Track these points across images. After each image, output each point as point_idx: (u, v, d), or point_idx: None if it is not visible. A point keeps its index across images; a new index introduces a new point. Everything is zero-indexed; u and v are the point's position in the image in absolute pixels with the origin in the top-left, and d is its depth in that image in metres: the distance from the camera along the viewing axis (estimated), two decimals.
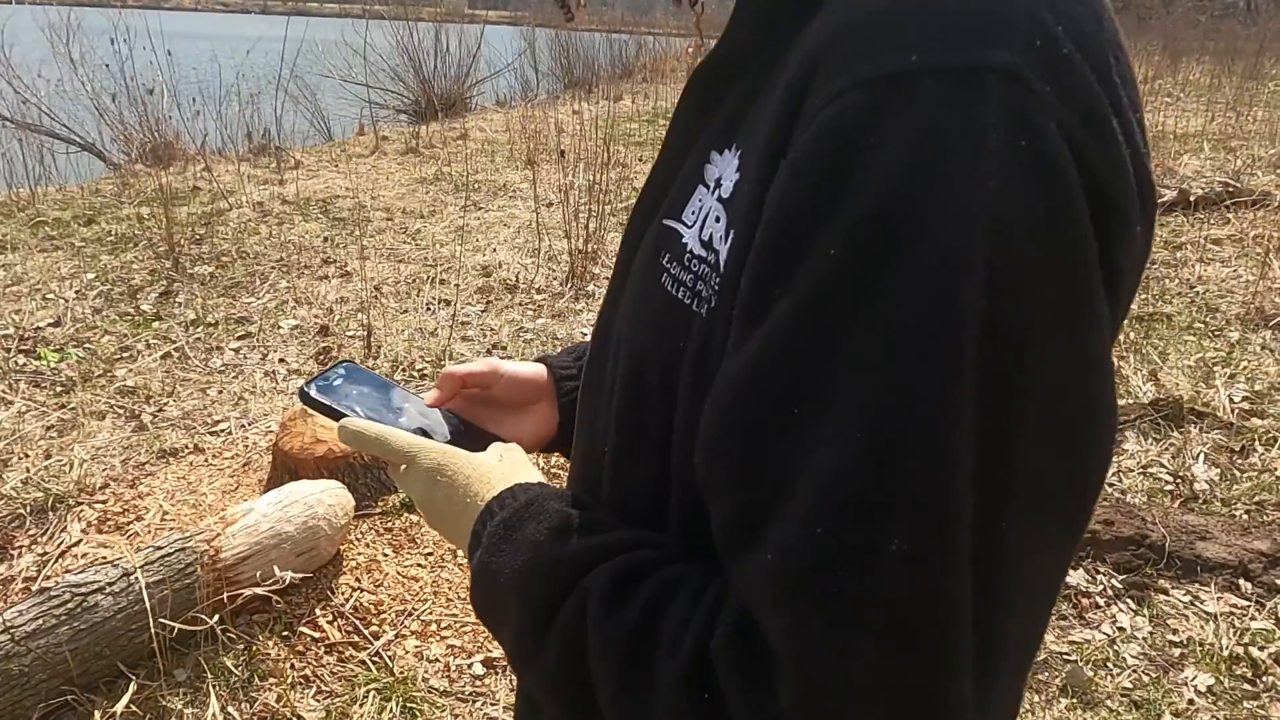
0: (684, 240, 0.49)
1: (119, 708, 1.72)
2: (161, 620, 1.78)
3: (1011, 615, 0.39)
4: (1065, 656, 2.07)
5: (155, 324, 3.46)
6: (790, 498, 0.38)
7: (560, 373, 0.79)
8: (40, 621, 1.69)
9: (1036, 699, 1.96)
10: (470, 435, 0.72)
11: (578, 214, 4.39)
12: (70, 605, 1.73)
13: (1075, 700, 1.96)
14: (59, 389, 2.96)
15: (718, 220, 0.46)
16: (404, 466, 0.64)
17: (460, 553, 2.26)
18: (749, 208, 0.42)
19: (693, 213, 0.49)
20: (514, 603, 0.51)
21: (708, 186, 0.49)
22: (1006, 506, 0.37)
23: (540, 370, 0.79)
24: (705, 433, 0.43)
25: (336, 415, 0.72)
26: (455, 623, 2.10)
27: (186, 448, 2.65)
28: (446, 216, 5.01)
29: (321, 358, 3.30)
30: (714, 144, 0.50)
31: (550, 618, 0.49)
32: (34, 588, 2.07)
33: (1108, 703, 1.95)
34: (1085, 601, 2.24)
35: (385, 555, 2.24)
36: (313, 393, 0.72)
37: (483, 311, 3.83)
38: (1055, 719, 1.92)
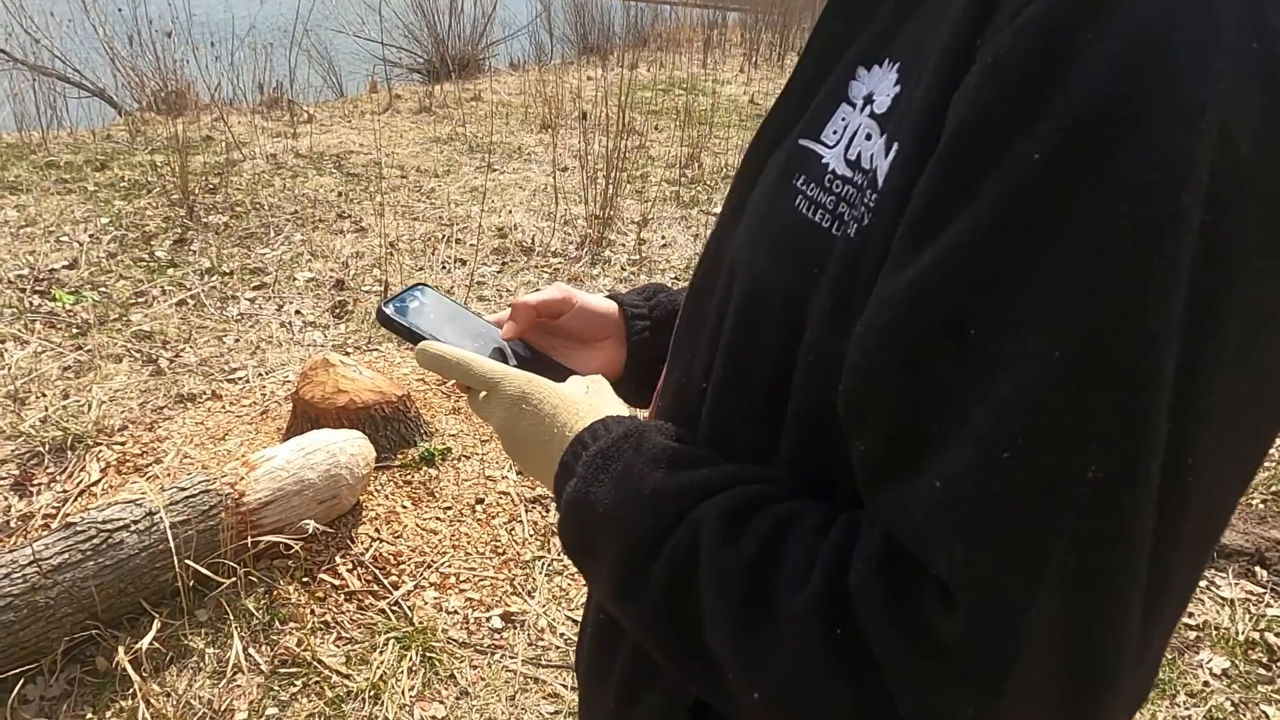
0: (824, 161, 0.47)
1: (144, 644, 1.72)
2: (186, 560, 1.78)
3: (1182, 562, 0.37)
4: None
5: (170, 270, 3.43)
6: (963, 422, 0.36)
7: (631, 310, 0.78)
8: (66, 556, 1.69)
9: None
10: (543, 366, 0.70)
11: (594, 179, 4.35)
12: (96, 541, 1.72)
13: None
14: (74, 331, 2.94)
15: (869, 138, 0.45)
16: (484, 393, 0.62)
17: (475, 509, 2.26)
18: (919, 119, 0.40)
19: (834, 132, 0.47)
20: (614, 535, 0.50)
21: (853, 104, 0.47)
22: (1196, 443, 0.35)
23: (611, 306, 0.77)
24: (856, 357, 0.41)
25: (414, 337, 0.70)
26: (474, 576, 2.11)
27: (204, 394, 2.64)
28: (462, 177, 4.96)
29: (337, 311, 3.28)
30: (861, 60, 0.48)
31: (655, 551, 0.48)
32: (53, 525, 2.06)
33: None
34: None
35: (404, 508, 2.24)
36: (390, 312, 0.71)
37: (498, 272, 3.80)
38: None
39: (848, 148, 0.46)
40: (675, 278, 3.95)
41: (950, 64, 0.39)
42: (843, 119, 0.47)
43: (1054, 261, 0.34)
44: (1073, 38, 0.34)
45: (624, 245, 4.26)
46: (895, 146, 0.42)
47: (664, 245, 4.34)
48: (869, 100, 0.46)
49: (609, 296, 0.80)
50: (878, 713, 0.39)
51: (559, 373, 0.66)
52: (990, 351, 0.36)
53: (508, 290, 3.63)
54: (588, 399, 0.60)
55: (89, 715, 1.69)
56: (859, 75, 0.48)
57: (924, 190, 0.38)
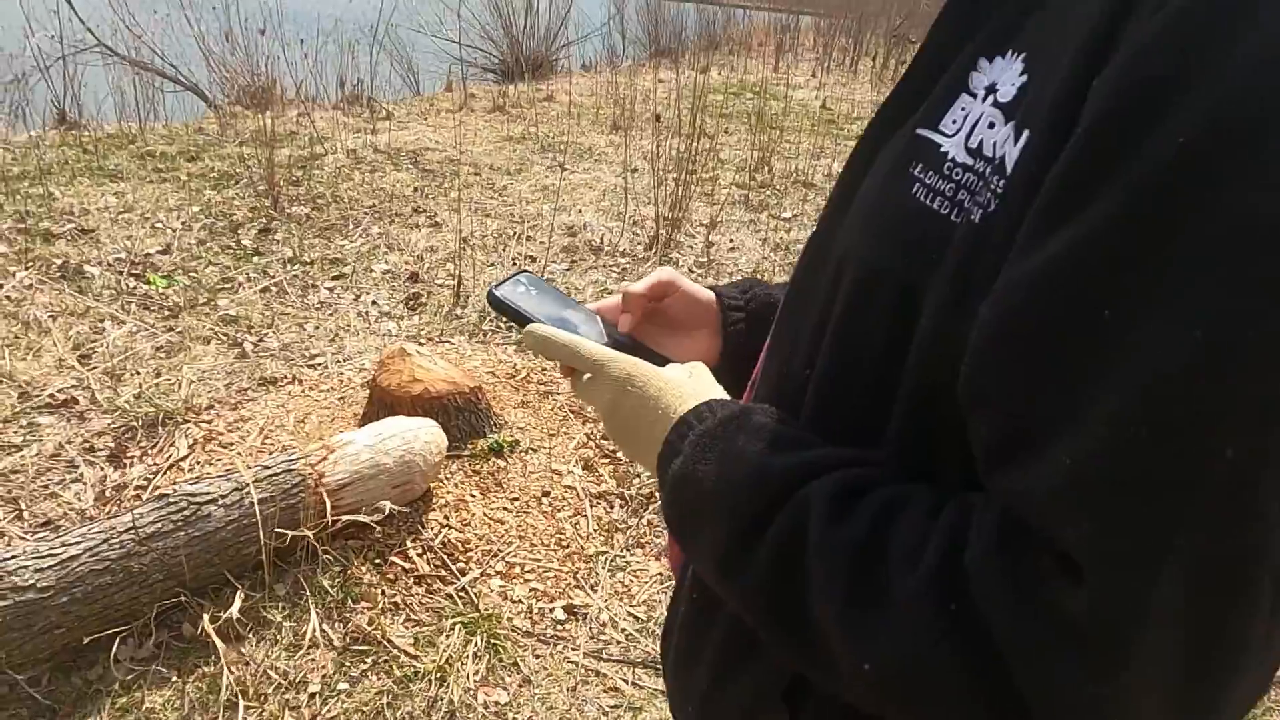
0: (943, 149, 0.48)
1: (230, 613, 1.80)
2: (277, 530, 1.85)
3: None
4: None
5: (255, 259, 3.57)
6: (1095, 402, 0.37)
7: (728, 302, 0.79)
8: (159, 525, 1.77)
9: None
10: (643, 353, 0.72)
11: (664, 181, 4.37)
12: (186, 513, 1.81)
13: None
14: (166, 313, 3.08)
15: (991, 126, 0.46)
16: (589, 376, 0.64)
17: (541, 501, 2.29)
18: (1054, 107, 0.41)
19: (954, 121, 0.48)
20: (719, 512, 0.51)
21: (974, 94, 0.48)
22: None
23: (710, 296, 0.79)
24: (982, 339, 0.41)
25: (521, 319, 0.73)
26: (539, 567, 2.14)
27: (285, 378, 2.74)
28: (533, 175, 5.04)
29: (411, 303, 3.37)
30: (982, 52, 0.49)
31: (762, 528, 0.49)
32: (144, 496, 2.17)
33: None
34: None
35: (473, 496, 2.29)
36: (500, 294, 0.74)
37: (567, 270, 3.85)
38: None
39: (969, 136, 0.47)
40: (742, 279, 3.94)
41: (1088, 55, 0.40)
42: (963, 109, 0.48)
43: (1196, 246, 0.35)
44: (1221, 29, 0.35)
45: (692, 247, 4.26)
46: (1026, 134, 0.43)
47: (732, 248, 4.33)
48: (991, 90, 0.47)
49: (709, 287, 0.81)
50: (993, 688, 0.39)
51: (658, 360, 0.68)
52: (1126, 333, 0.36)
53: (576, 288, 3.67)
54: (691, 383, 0.62)
55: (174, 678, 1.77)
56: (980, 66, 0.49)
57: (1059, 175, 0.39)
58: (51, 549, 1.69)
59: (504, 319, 0.77)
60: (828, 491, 0.48)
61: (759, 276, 4.12)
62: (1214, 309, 0.34)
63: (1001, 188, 0.43)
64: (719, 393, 0.61)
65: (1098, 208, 0.37)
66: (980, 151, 0.46)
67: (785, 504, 0.48)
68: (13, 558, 1.65)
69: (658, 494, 0.55)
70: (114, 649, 1.75)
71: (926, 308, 0.47)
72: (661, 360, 0.68)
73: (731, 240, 4.42)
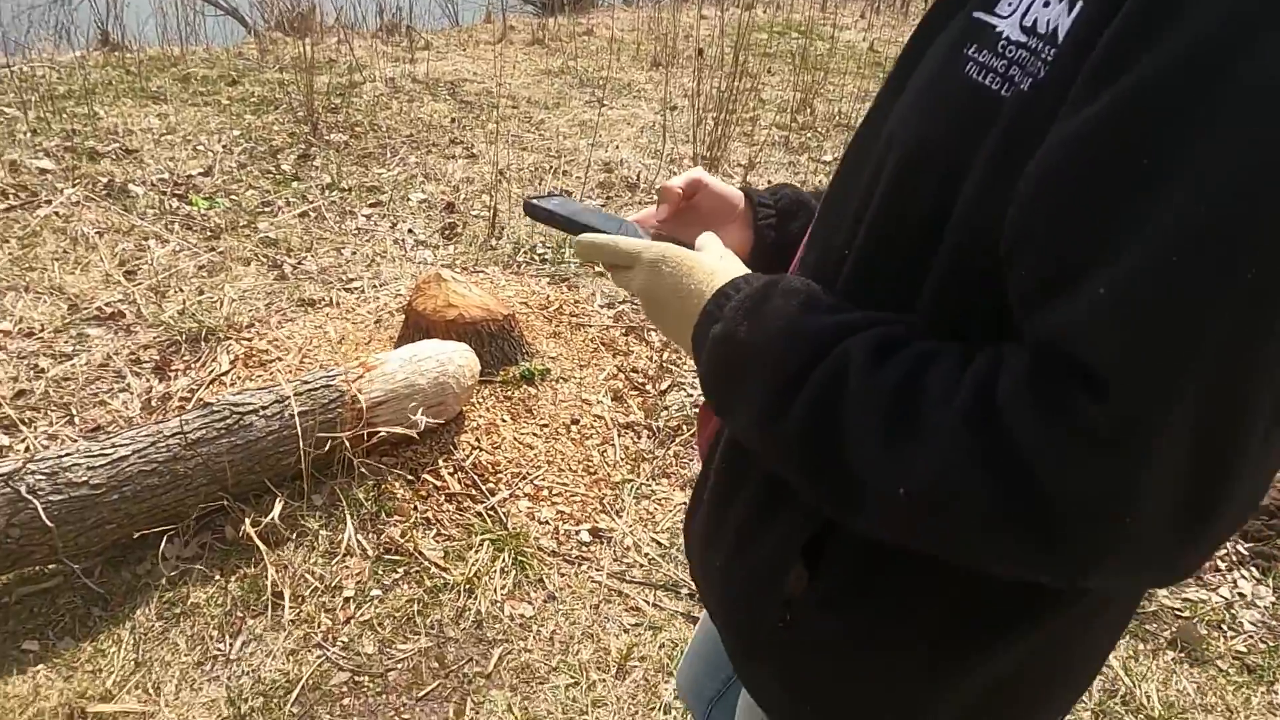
0: (998, 29, 0.50)
1: (271, 517, 1.88)
2: (319, 435, 1.91)
3: None
4: (1178, 612, 2.02)
5: (294, 184, 3.60)
6: (1134, 239, 0.40)
7: (757, 198, 0.83)
8: (204, 431, 1.84)
9: (1142, 647, 1.93)
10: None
11: (703, 119, 4.30)
12: (229, 421, 1.87)
13: (1183, 655, 1.92)
14: (208, 234, 3.13)
15: (1046, 4, 0.48)
16: (630, 269, 0.68)
17: (570, 429, 2.33)
18: None
19: (1009, 4, 0.51)
20: (762, 366, 0.54)
21: None
22: None
23: (739, 194, 0.83)
24: (1030, 187, 0.44)
25: (564, 224, 0.76)
26: (565, 491, 2.19)
27: (323, 300, 2.79)
28: (571, 110, 4.98)
29: (447, 232, 3.38)
30: None
31: (802, 379, 0.51)
32: (187, 407, 2.24)
33: (1218, 662, 1.90)
34: (1205, 563, 2.16)
35: (504, 421, 2.33)
36: (540, 204, 0.77)
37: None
38: (1162, 668, 1.88)
39: (1024, 15, 0.49)
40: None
41: None
42: None
43: (1235, 99, 0.38)
44: None
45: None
46: (1079, 5, 0.45)
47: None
48: None
49: (739, 187, 0.85)
50: (1025, 502, 0.42)
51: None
52: (1165, 176, 0.39)
53: None
54: (722, 263, 0.65)
55: (217, 576, 1.85)
56: None
57: (1108, 37, 0.42)
58: (103, 449, 1.76)
59: (542, 224, 0.81)
60: (866, 344, 0.51)
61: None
62: (1246, 150, 0.37)
63: (1051, 56, 0.46)
64: (749, 273, 0.64)
65: (1142, 65, 0.40)
66: (1034, 29, 0.48)
67: (826, 356, 0.51)
68: (67, 455, 1.73)
69: (694, 365, 0.58)
70: (161, 547, 1.84)
71: (971, 176, 0.49)
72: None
73: (769, 182, 4.35)
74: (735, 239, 0.80)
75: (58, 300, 2.65)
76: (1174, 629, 1.96)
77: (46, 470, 1.69)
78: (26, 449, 2.08)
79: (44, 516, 1.63)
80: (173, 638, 1.74)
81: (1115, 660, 1.89)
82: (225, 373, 2.40)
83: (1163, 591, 2.08)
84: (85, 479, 1.71)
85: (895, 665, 0.60)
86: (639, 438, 2.40)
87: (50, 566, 1.82)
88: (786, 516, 0.61)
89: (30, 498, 1.63)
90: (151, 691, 1.65)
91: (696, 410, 2.50)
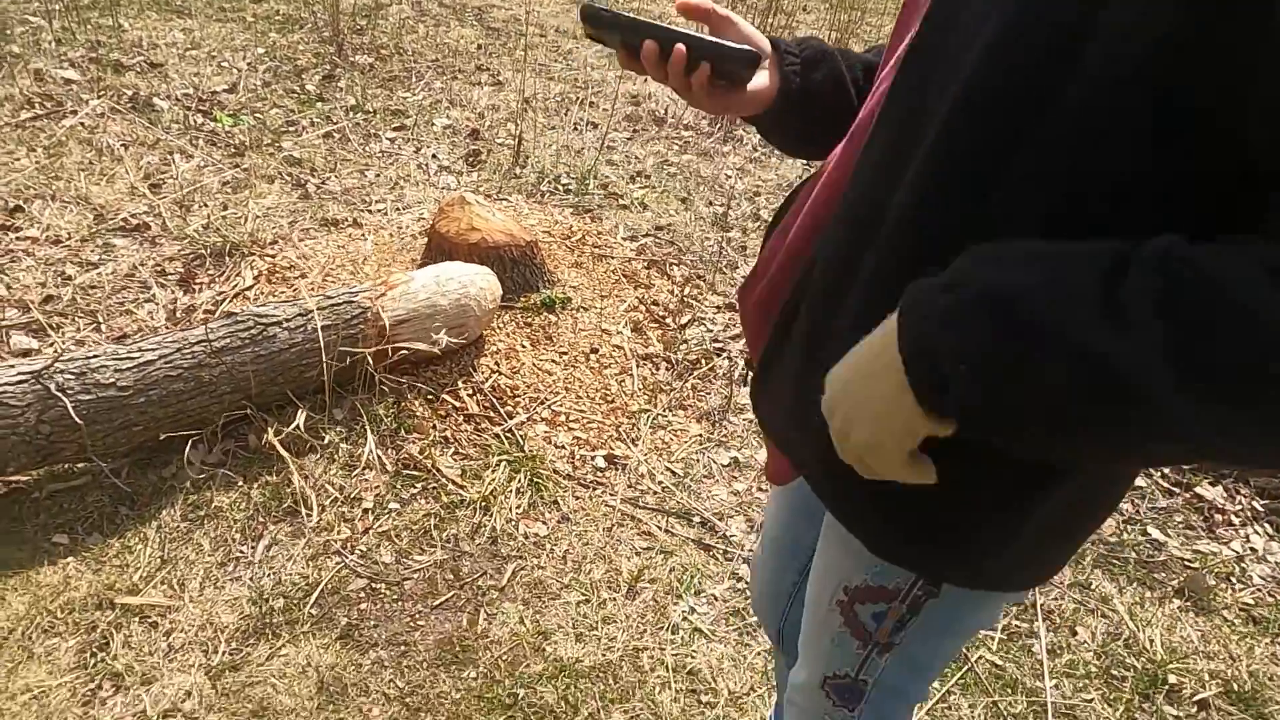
0: None
1: (293, 427, 1.90)
2: (341, 350, 1.92)
3: None
4: (1187, 563, 2.03)
5: (319, 104, 3.56)
6: None
7: (784, 45, 0.86)
8: (229, 340, 1.86)
9: (1148, 594, 1.95)
10: (726, 44, 0.80)
11: None
12: (254, 331, 1.89)
13: (1190, 603, 1.93)
14: (232, 150, 3.12)
15: None
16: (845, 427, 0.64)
17: (589, 358, 2.33)
18: None
19: None
20: (1060, 305, 0.48)
21: None
22: None
23: (765, 40, 0.85)
24: None
25: (628, 26, 0.77)
26: (582, 418, 2.20)
27: (346, 220, 2.78)
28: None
29: (471, 159, 3.35)
30: None
31: (1118, 304, 0.46)
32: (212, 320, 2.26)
33: (1224, 613, 1.92)
34: (1219, 517, 2.16)
35: (523, 347, 2.34)
36: (600, 10, 0.78)
37: (629, 139, 3.78)
38: (1167, 615, 1.90)
39: None
40: (807, 164, 3.83)
41: None
42: None
43: None
44: None
45: None
46: None
47: None
48: None
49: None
50: None
51: (739, 53, 0.78)
52: None
53: (637, 158, 3.61)
54: (881, 337, 0.58)
55: (240, 482, 1.89)
56: None
57: None
58: (130, 353, 1.79)
59: (600, 39, 0.83)
60: (1166, 245, 0.46)
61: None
62: None
63: None
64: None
65: None
66: None
67: (1128, 269, 0.46)
68: (95, 357, 1.76)
69: (963, 396, 0.52)
70: (186, 451, 1.88)
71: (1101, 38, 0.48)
72: (741, 50, 0.76)
73: None
74: (761, 81, 0.82)
75: (84, 210, 2.66)
76: (1182, 578, 1.97)
77: (75, 370, 1.71)
78: (55, 353, 2.12)
79: (73, 414, 1.66)
80: (197, 538, 1.78)
81: (1121, 605, 1.91)
82: (249, 288, 2.42)
83: (1174, 542, 2.08)
84: (113, 380, 1.74)
85: (990, 497, 0.66)
86: (657, 369, 2.41)
87: (79, 465, 1.86)
88: None
89: (60, 395, 1.66)
90: (176, 587, 1.70)
91: (716, 345, 2.50)
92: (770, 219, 0.88)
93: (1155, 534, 2.10)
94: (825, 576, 0.84)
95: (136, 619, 1.63)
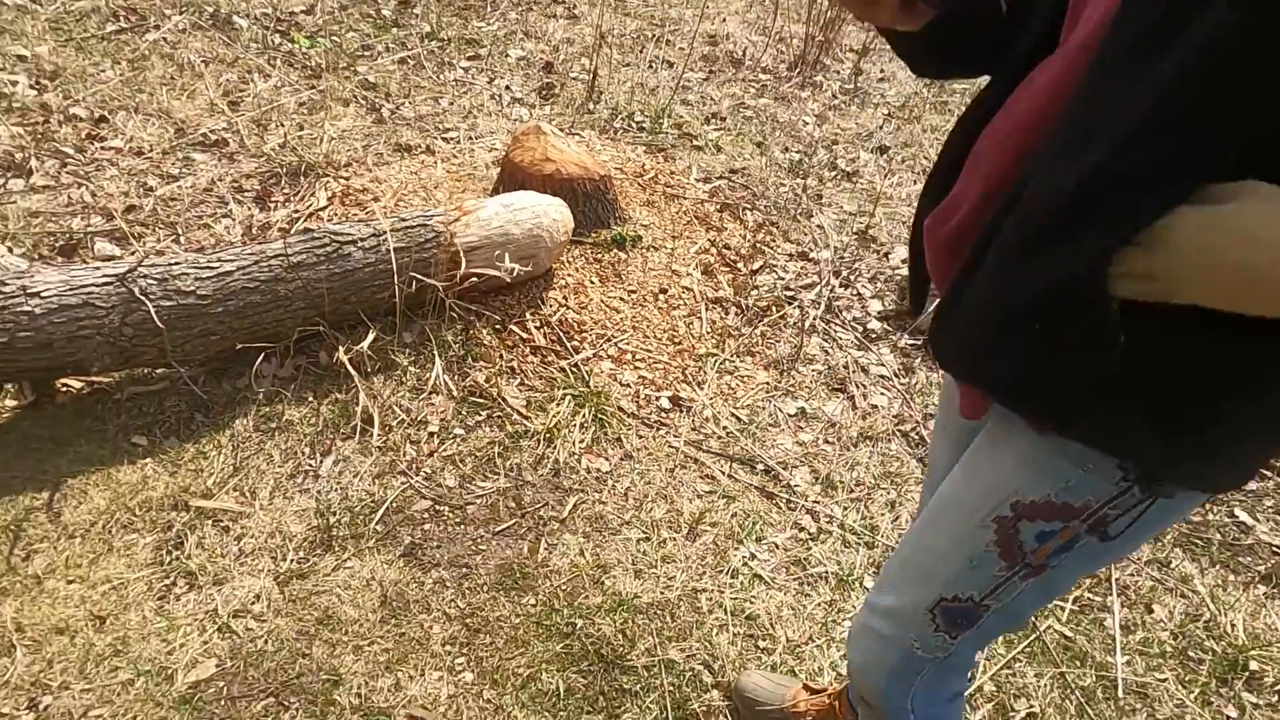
0: None
1: (363, 347, 1.91)
2: (412, 275, 1.91)
3: None
4: (1276, 549, 1.93)
5: (394, 30, 3.52)
6: None
7: None
8: (305, 256, 1.86)
9: (1233, 578, 1.86)
10: None
11: None
12: (329, 249, 1.88)
13: (1277, 590, 1.84)
14: (308, 72, 3.10)
15: None
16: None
17: (658, 298, 2.29)
18: None
19: None
20: None
21: None
22: None
23: None
24: None
25: None
26: (649, 357, 2.17)
27: (419, 147, 2.76)
28: None
29: (544, 92, 3.29)
30: None
31: None
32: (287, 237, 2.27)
33: None
34: None
35: (592, 283, 2.30)
36: None
37: (704, 80, 3.66)
38: (1251, 600, 1.81)
39: None
40: (889, 114, 3.67)
41: None
42: None
43: None
44: None
45: (839, 72, 3.97)
46: None
47: (882, 79, 4.01)
48: None
49: None
50: None
51: None
52: None
53: (712, 99, 3.51)
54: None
55: (310, 398, 1.91)
56: None
57: None
58: (210, 262, 1.80)
59: None
60: None
61: (907, 112, 3.83)
62: None
63: None
64: None
65: None
66: None
67: None
68: (176, 264, 1.77)
69: None
70: (258, 364, 1.90)
71: None
72: None
73: (883, 70, 4.09)
74: None
75: (165, 123, 2.68)
76: (1269, 564, 1.87)
77: (158, 276, 1.74)
78: (138, 258, 2.15)
79: (155, 318, 1.68)
80: (268, 449, 1.81)
81: (1202, 587, 1.83)
82: (323, 208, 2.42)
83: (1263, 526, 1.98)
84: (193, 289, 1.75)
85: (1224, 391, 0.66)
86: (726, 313, 2.36)
87: (158, 371, 1.90)
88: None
89: (143, 299, 1.69)
90: (248, 494, 1.73)
91: (788, 294, 2.43)
92: (941, 153, 0.85)
93: (1243, 517, 1.99)
94: (985, 493, 0.82)
95: (210, 522, 1.67)
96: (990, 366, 0.75)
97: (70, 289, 1.66)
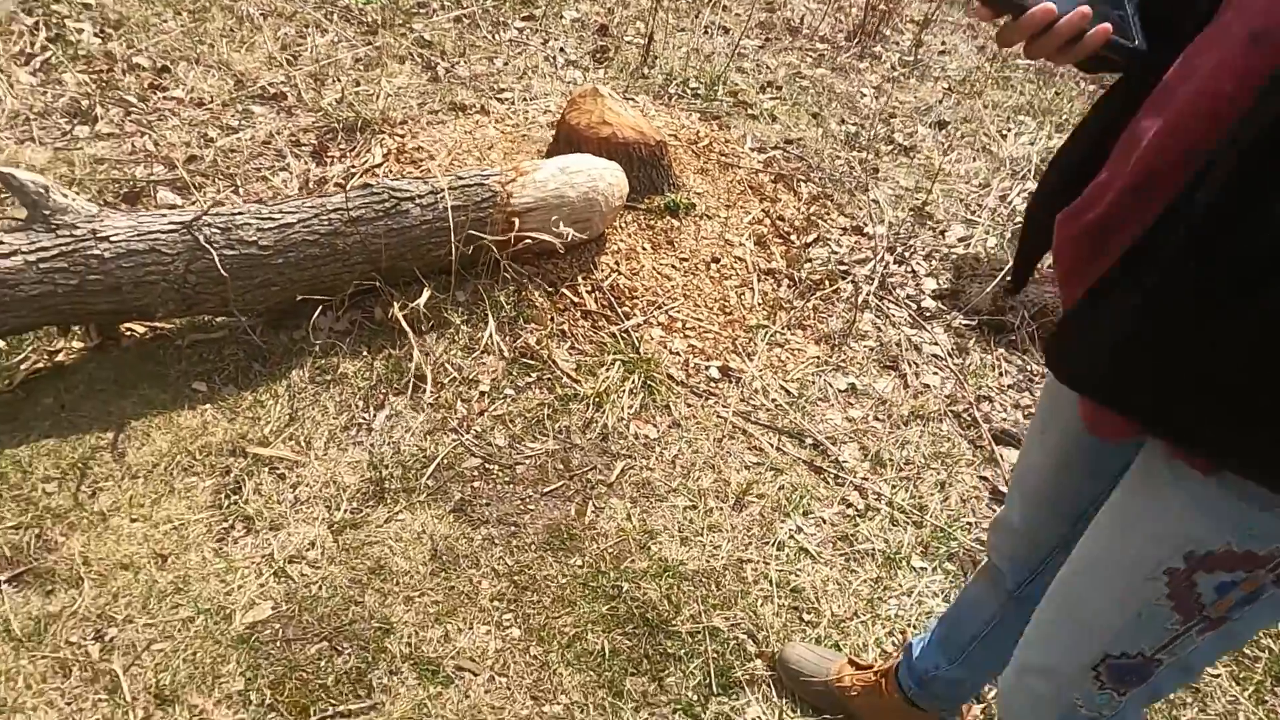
0: None
1: (418, 304, 1.92)
2: (470, 233, 1.91)
3: None
4: None
5: None
6: None
7: None
8: (364, 211, 1.87)
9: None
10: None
11: None
12: (388, 204, 1.89)
13: None
14: (365, 28, 3.10)
15: None
16: None
17: (710, 267, 2.26)
18: None
19: None
20: None
21: None
22: None
23: None
24: None
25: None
26: (700, 327, 2.16)
27: (474, 106, 2.75)
28: None
29: (598, 55, 3.25)
30: None
31: None
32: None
33: None
34: None
35: (644, 249, 2.29)
36: None
37: (760, 48, 3.59)
38: None
39: None
40: (949, 88, 3.58)
41: None
42: None
43: None
44: None
45: (898, 44, 3.87)
46: None
47: (942, 51, 3.90)
48: None
49: None
50: None
51: None
52: None
53: (768, 67, 3.44)
54: None
55: (364, 352, 1.94)
56: None
57: None
58: (271, 214, 1.82)
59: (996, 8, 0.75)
60: None
61: (968, 87, 3.73)
62: None
63: None
64: None
65: None
66: None
67: None
68: (240, 214, 1.79)
69: None
70: (315, 317, 1.92)
71: None
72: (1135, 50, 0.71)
73: (944, 43, 3.97)
74: None
75: (225, 75, 2.70)
76: None
77: (221, 225, 1.76)
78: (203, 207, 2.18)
79: (219, 266, 1.70)
80: (323, 401, 1.84)
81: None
82: (378, 165, 2.42)
83: None
84: (255, 239, 1.77)
85: None
86: (779, 285, 2.33)
87: (218, 319, 1.93)
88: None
89: (208, 247, 1.71)
90: (303, 444, 1.76)
91: (842, 268, 2.39)
92: (1069, 143, 0.80)
93: None
94: (1149, 542, 0.75)
95: (266, 469, 1.70)
96: (1153, 399, 0.68)
97: (138, 234, 1.68)
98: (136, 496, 1.62)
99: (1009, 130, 3.27)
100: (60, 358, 1.84)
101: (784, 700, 1.47)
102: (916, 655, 1.32)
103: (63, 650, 1.38)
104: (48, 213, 1.63)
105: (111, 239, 1.66)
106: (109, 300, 1.68)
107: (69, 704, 1.32)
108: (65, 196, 1.66)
